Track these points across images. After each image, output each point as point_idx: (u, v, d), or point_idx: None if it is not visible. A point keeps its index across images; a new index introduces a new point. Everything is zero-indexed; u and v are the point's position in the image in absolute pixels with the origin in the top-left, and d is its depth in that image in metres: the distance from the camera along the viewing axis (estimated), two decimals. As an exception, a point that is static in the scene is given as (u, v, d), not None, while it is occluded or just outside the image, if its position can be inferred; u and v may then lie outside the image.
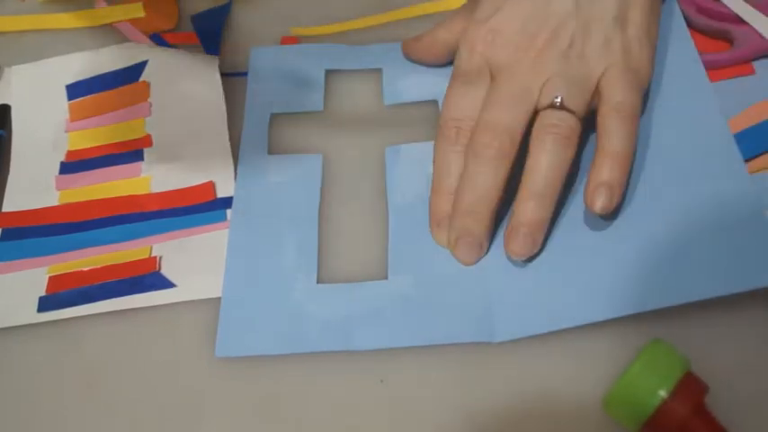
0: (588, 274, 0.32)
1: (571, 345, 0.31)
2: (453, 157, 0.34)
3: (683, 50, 0.38)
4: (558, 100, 0.32)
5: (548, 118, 0.32)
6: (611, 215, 0.33)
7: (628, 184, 0.34)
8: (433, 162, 0.35)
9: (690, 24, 0.39)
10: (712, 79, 0.37)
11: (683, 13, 0.39)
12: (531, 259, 0.33)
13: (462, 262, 0.33)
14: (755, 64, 0.38)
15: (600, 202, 0.31)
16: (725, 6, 0.39)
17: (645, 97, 0.36)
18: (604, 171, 0.31)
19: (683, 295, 0.30)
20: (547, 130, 0.32)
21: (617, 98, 0.33)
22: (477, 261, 0.33)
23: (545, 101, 0.33)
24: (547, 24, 0.34)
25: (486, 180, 0.32)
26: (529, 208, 0.32)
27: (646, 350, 0.28)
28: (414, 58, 0.40)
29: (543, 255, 0.33)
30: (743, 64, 0.38)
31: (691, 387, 0.28)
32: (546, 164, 0.31)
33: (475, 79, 0.35)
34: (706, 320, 0.31)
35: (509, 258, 0.33)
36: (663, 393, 0.27)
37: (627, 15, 0.34)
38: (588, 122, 0.34)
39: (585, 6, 0.34)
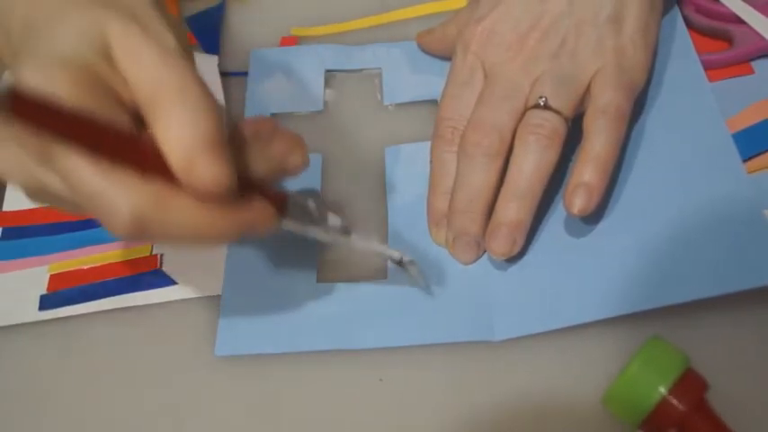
0: (588, 273, 0.32)
1: (571, 343, 0.31)
2: (449, 157, 0.34)
3: (681, 51, 0.38)
4: (543, 100, 0.32)
5: (532, 118, 0.32)
6: (619, 224, 0.33)
7: (626, 184, 0.34)
8: (430, 162, 0.35)
9: (689, 24, 0.39)
10: (711, 79, 0.37)
11: (683, 13, 0.39)
12: (530, 258, 0.33)
13: (461, 261, 0.34)
14: (754, 64, 0.38)
15: (578, 204, 0.31)
16: (724, 6, 0.39)
17: (641, 98, 0.35)
18: (585, 173, 0.31)
19: (681, 294, 0.30)
20: (529, 131, 0.32)
21: (604, 100, 0.32)
22: (476, 260, 0.33)
23: (531, 100, 0.32)
24: (539, 23, 0.34)
25: (478, 179, 0.32)
26: (510, 209, 0.32)
27: (645, 346, 0.28)
28: (426, 49, 0.41)
29: (543, 254, 0.33)
30: (742, 64, 0.38)
31: (691, 383, 0.28)
32: (527, 165, 0.31)
33: (469, 79, 0.35)
34: (705, 319, 0.31)
35: (509, 257, 0.33)
36: (663, 389, 0.27)
37: (622, 15, 0.34)
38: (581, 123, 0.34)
39: (579, 5, 0.34)
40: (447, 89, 0.36)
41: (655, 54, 0.36)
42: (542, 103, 0.32)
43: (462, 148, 0.33)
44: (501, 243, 0.32)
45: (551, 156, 0.32)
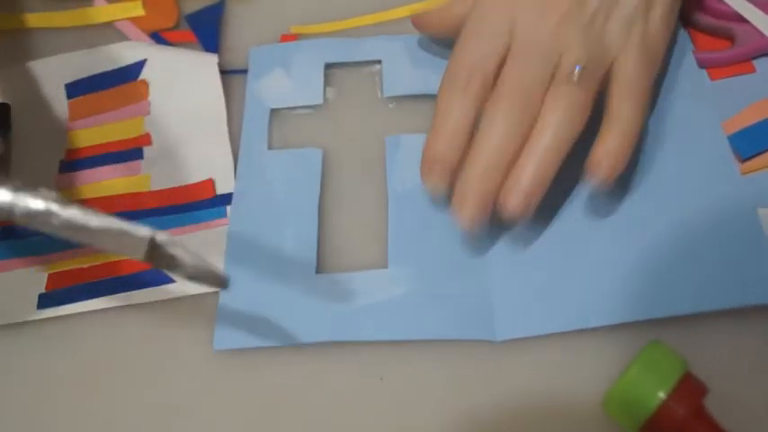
0: (589, 280, 0.32)
1: (571, 345, 0.31)
2: (459, 100, 0.32)
3: (681, 54, 0.38)
4: (577, 72, 0.31)
5: (563, 86, 0.31)
6: (620, 231, 0.33)
7: (627, 190, 0.34)
8: (436, 104, 0.33)
9: (691, 23, 0.39)
10: (713, 77, 0.37)
11: (684, 11, 0.39)
12: (533, 261, 0.33)
13: (464, 225, 0.31)
14: (756, 62, 0.37)
15: (603, 170, 0.30)
16: (726, 5, 0.39)
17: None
18: (609, 140, 0.31)
19: (681, 307, 0.31)
20: (559, 100, 0.31)
21: (630, 77, 0.32)
22: (480, 224, 0.32)
23: (564, 70, 0.32)
24: None
25: (503, 143, 0.31)
26: (530, 169, 0.30)
27: (645, 351, 0.28)
28: (425, 30, 0.39)
29: (546, 257, 0.33)
30: (743, 62, 0.37)
31: (690, 388, 0.28)
32: (553, 129, 0.31)
33: (497, 34, 0.33)
34: (705, 323, 0.31)
35: (512, 257, 0.33)
36: (662, 395, 0.27)
37: (653, 2, 0.34)
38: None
39: None
40: (468, 37, 0.34)
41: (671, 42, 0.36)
42: (576, 75, 0.31)
43: (493, 109, 0.32)
44: (515, 201, 0.30)
45: (577, 126, 0.31)
